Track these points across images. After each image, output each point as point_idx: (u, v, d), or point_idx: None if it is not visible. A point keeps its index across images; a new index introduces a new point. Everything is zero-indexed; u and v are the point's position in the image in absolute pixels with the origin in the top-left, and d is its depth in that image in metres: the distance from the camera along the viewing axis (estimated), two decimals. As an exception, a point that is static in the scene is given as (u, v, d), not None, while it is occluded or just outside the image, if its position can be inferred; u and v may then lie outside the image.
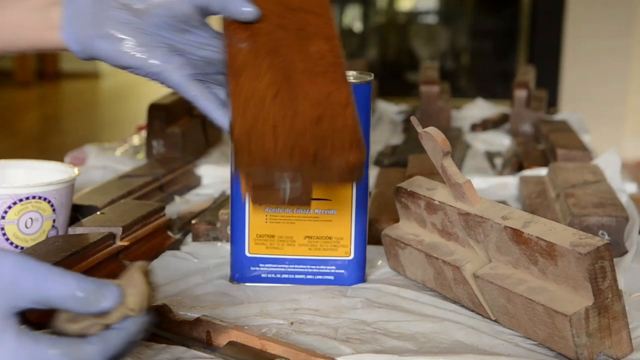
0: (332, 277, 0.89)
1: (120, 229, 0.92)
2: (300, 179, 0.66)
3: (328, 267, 0.88)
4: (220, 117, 0.76)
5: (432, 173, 1.04)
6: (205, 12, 0.77)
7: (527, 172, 1.28)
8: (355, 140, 0.68)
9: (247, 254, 0.88)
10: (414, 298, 0.85)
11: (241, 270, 0.89)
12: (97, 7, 0.76)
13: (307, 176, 0.67)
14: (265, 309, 0.82)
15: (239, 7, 0.75)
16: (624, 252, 0.97)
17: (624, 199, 1.12)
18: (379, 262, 0.95)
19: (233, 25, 0.76)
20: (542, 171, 1.25)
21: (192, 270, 0.92)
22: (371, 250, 0.94)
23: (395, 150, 1.46)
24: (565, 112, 1.94)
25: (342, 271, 0.89)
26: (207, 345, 0.73)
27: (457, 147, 1.42)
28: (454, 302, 0.84)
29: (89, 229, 0.92)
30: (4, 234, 0.92)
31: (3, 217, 0.91)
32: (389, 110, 1.86)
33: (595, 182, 1.09)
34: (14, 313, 0.57)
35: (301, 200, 0.68)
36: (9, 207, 0.91)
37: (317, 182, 0.68)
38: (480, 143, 1.57)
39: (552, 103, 3.61)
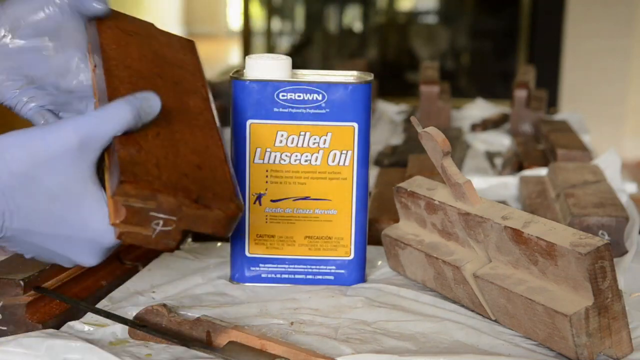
0: (332, 277, 0.89)
1: (120, 229, 0.92)
2: (174, 222, 0.65)
3: (328, 267, 0.88)
4: None
5: (432, 173, 1.04)
6: (69, 12, 0.78)
7: (527, 172, 1.28)
8: (235, 195, 0.67)
9: (247, 254, 0.88)
10: (414, 298, 0.85)
11: (241, 270, 0.89)
12: None
13: (182, 219, 0.65)
14: (265, 309, 0.82)
15: (91, 2, 0.77)
16: (624, 252, 0.97)
17: (624, 199, 1.12)
18: (379, 262, 0.95)
19: (111, 57, 0.75)
20: (542, 171, 1.25)
21: (192, 270, 0.92)
22: (371, 250, 0.94)
23: (395, 150, 1.46)
24: (565, 112, 1.95)
25: (342, 271, 0.89)
26: (207, 345, 0.73)
27: (457, 147, 1.42)
28: (454, 302, 0.84)
29: (89, 229, 0.92)
30: (4, 234, 0.91)
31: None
32: (389, 110, 1.86)
33: (595, 182, 1.09)
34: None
35: (168, 245, 0.65)
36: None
37: (189, 227, 0.65)
38: (480, 143, 1.57)
39: (552, 103, 3.61)
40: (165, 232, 0.64)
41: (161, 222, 0.64)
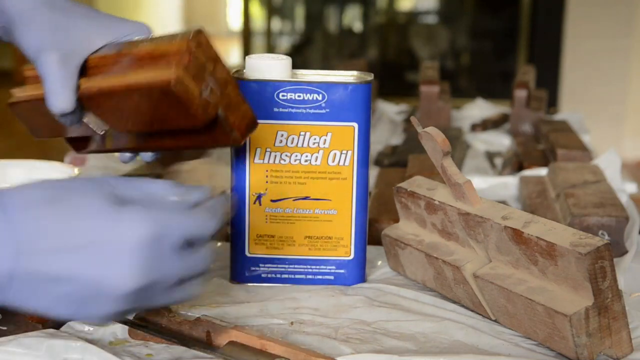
0: (332, 277, 0.89)
1: (120, 229, 0.92)
2: (217, 97, 0.71)
3: (328, 267, 0.88)
4: None
5: (432, 173, 1.04)
6: None
7: (527, 172, 1.28)
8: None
9: (247, 254, 0.88)
10: (414, 298, 0.85)
11: (241, 270, 0.89)
12: None
13: (224, 97, 0.72)
14: (265, 309, 0.82)
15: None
16: (624, 252, 0.97)
17: (624, 199, 1.12)
18: (379, 262, 0.95)
19: None
20: (542, 171, 1.25)
21: (192, 270, 0.92)
22: (371, 250, 0.94)
23: (395, 150, 1.46)
24: (565, 112, 1.94)
25: (342, 271, 0.89)
26: (207, 345, 0.73)
27: (457, 147, 1.42)
28: (454, 302, 0.84)
29: (89, 229, 0.92)
30: (4, 234, 0.91)
31: (3, 217, 0.91)
32: (389, 110, 1.86)
33: (595, 182, 1.09)
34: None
35: (205, 113, 0.70)
36: (9, 207, 0.91)
37: (223, 110, 0.72)
38: (480, 143, 1.57)
39: (552, 103, 3.62)
40: (207, 101, 0.70)
41: (209, 90, 0.70)
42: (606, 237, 0.97)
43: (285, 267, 0.88)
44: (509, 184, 1.26)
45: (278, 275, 0.89)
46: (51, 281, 0.59)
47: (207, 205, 0.65)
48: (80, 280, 0.59)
